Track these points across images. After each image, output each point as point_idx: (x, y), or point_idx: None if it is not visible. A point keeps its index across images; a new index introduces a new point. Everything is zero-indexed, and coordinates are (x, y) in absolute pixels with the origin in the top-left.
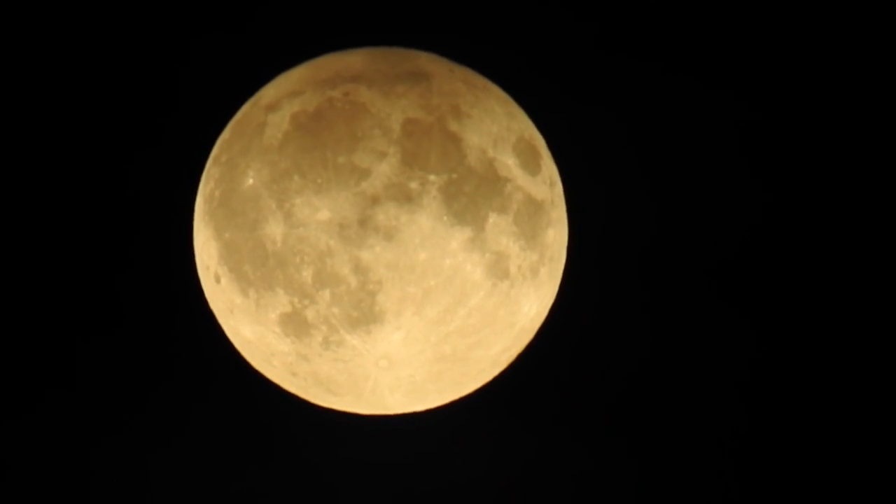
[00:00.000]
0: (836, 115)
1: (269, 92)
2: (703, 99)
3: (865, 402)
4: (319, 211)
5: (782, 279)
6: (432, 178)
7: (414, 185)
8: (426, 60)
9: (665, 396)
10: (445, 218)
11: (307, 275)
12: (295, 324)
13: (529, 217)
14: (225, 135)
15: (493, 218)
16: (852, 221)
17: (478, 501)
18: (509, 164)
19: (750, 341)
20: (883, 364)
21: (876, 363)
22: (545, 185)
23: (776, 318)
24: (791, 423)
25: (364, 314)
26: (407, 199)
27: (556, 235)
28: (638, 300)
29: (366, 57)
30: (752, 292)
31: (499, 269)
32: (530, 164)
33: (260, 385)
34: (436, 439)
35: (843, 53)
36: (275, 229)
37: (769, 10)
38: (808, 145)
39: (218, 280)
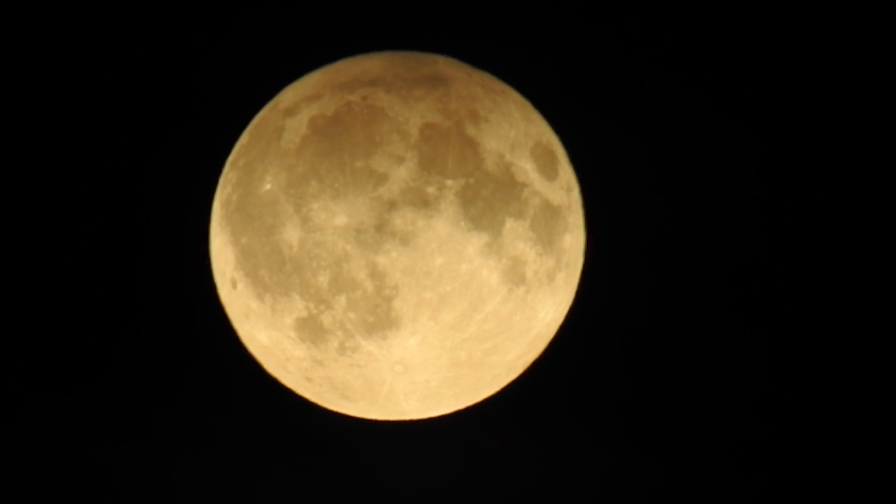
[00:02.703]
0: (854, 126)
1: (287, 96)
2: (723, 105)
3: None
4: (336, 216)
5: (804, 285)
6: (449, 182)
7: (431, 189)
8: (444, 65)
9: (684, 403)
10: (462, 223)
11: (323, 280)
12: (311, 329)
13: (546, 222)
14: (243, 139)
15: (509, 223)
16: (875, 235)
17: None
18: (527, 168)
19: (773, 349)
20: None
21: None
22: (562, 191)
23: (798, 325)
24: (811, 431)
25: (380, 319)
26: (424, 203)
27: (573, 241)
28: (655, 306)
29: (384, 61)
30: (775, 299)
31: (515, 275)
32: (548, 168)
33: (275, 390)
34: (451, 444)
35: (865, 65)
36: (292, 234)
37: (791, 19)
38: (825, 151)
39: (234, 285)
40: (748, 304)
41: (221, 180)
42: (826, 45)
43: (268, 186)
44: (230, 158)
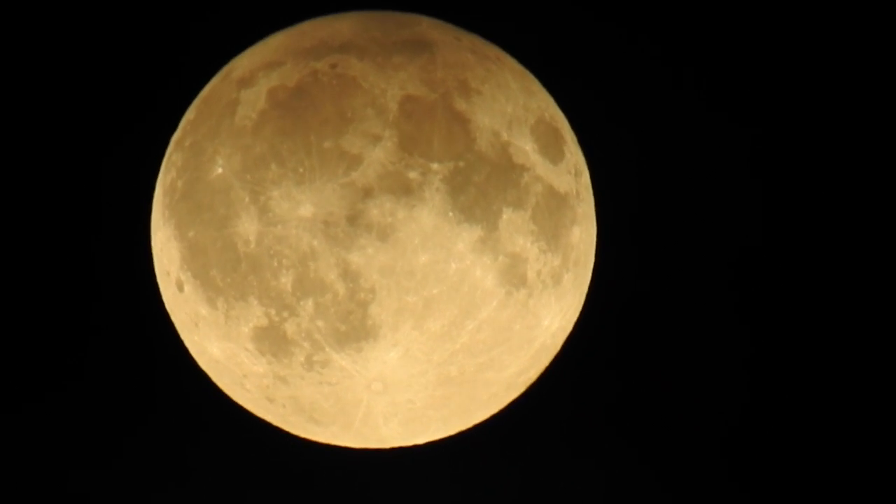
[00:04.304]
0: (862, 127)
1: (242, 63)
2: (748, 88)
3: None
4: (301, 205)
5: (821, 286)
6: (435, 166)
7: (413, 174)
8: (428, 27)
9: (706, 422)
10: (451, 214)
11: (286, 281)
12: (272, 340)
13: (551, 213)
14: (189, 114)
15: (507, 214)
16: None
17: None
18: (527, 149)
19: (803, 357)
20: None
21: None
22: (569, 175)
23: (817, 326)
24: (818, 438)
25: (354, 328)
26: (405, 191)
27: (583, 235)
28: (677, 310)
29: (357, 22)
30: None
31: (514, 275)
32: (551, 149)
33: (230, 412)
34: (438, 477)
35: (874, 69)
36: (248, 227)
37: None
38: (842, 144)
39: (180, 287)
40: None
41: (164, 163)
42: (835, 44)
43: (219, 171)
44: (175, 137)
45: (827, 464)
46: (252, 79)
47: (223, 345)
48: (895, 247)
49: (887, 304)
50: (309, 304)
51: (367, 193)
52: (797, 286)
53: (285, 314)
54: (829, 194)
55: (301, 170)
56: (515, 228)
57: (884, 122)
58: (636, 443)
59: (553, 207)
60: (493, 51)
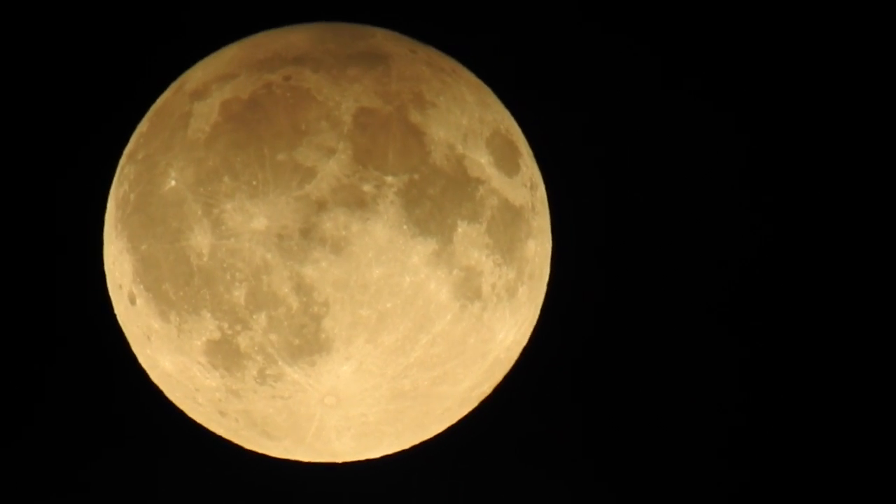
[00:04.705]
0: (831, 126)
1: (195, 75)
2: (707, 91)
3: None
4: (255, 218)
5: (791, 299)
6: (390, 179)
7: (368, 187)
8: (383, 39)
9: (663, 437)
10: (405, 227)
11: (239, 295)
12: (224, 353)
13: (506, 226)
14: (142, 127)
15: (462, 227)
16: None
17: None
18: (482, 162)
19: (768, 372)
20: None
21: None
22: (525, 189)
23: (783, 337)
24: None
25: (307, 342)
26: (359, 204)
27: (538, 248)
28: (634, 325)
29: (311, 34)
30: (767, 315)
31: (469, 289)
32: (507, 162)
33: (182, 426)
34: (392, 492)
35: (838, 62)
36: (201, 240)
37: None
38: (804, 148)
39: (133, 301)
40: (746, 319)
41: (117, 176)
42: (807, 40)
43: (172, 184)
44: (127, 150)
45: (800, 481)
46: (205, 91)
47: (175, 358)
48: (860, 255)
49: (856, 317)
50: (262, 318)
51: (321, 206)
52: (761, 299)
53: (238, 328)
54: (792, 202)
55: (254, 183)
56: (470, 242)
57: (840, 125)
58: (590, 455)
59: (508, 221)
60: (449, 63)
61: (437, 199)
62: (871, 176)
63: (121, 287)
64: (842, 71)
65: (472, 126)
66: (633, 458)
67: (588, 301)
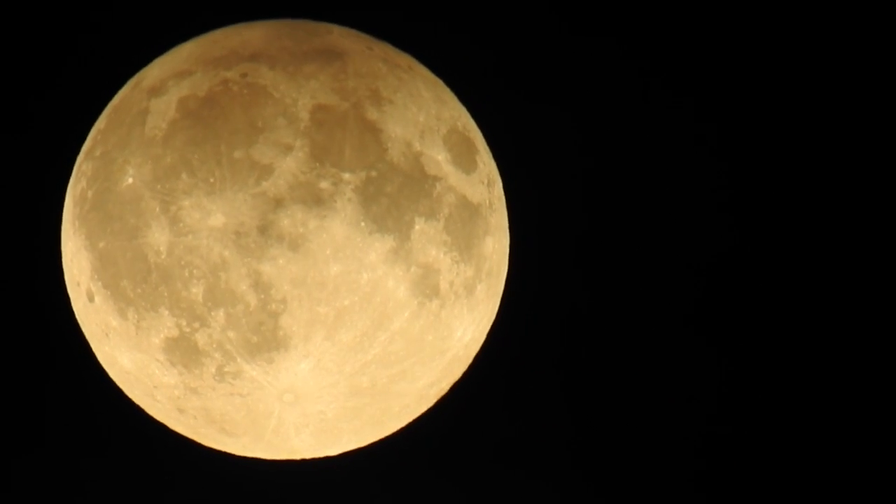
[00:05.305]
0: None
1: (152, 72)
2: (672, 88)
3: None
4: (212, 215)
5: (757, 300)
6: (347, 176)
7: (325, 184)
8: (340, 35)
9: (629, 433)
10: (363, 224)
11: (197, 292)
12: (183, 351)
13: (463, 223)
14: (99, 123)
15: (419, 224)
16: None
17: None
18: (439, 159)
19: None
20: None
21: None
22: (482, 186)
23: (753, 343)
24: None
25: (265, 339)
26: (316, 201)
27: (496, 245)
28: (594, 323)
29: (267, 31)
30: (729, 319)
31: (427, 286)
32: (464, 159)
33: (141, 424)
34: (351, 489)
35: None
36: (158, 237)
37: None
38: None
39: (91, 298)
40: (706, 313)
41: (74, 173)
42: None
43: (129, 180)
44: (85, 147)
45: (780, 477)
46: (162, 88)
47: (134, 356)
48: (835, 263)
49: (838, 326)
50: (220, 315)
51: (279, 203)
52: (729, 293)
53: (196, 325)
54: (756, 199)
55: (212, 180)
56: (428, 239)
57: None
58: (553, 449)
59: (466, 218)
60: (406, 60)
61: (395, 197)
62: (855, 178)
63: (79, 284)
64: (826, 70)
65: (429, 123)
66: (584, 451)
67: (547, 299)
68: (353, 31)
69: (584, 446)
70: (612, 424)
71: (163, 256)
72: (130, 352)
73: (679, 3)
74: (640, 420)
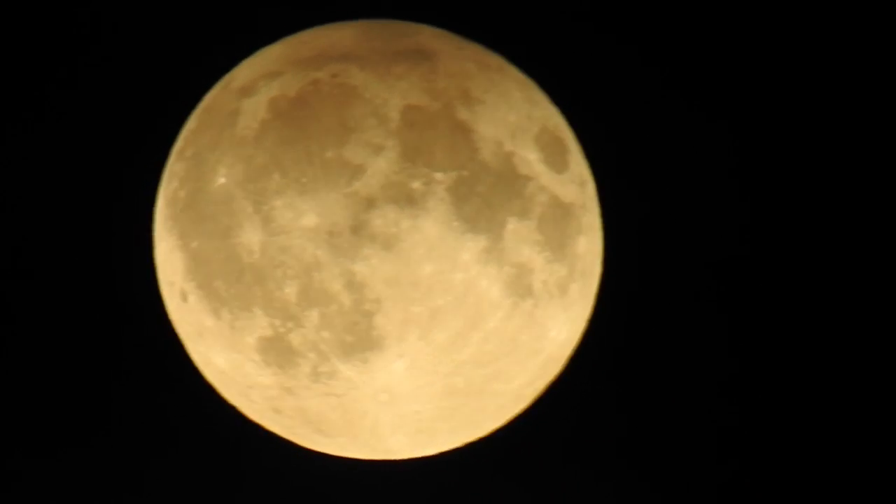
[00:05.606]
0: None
1: (242, 73)
2: (752, 90)
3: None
4: (304, 215)
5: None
6: (439, 176)
7: (417, 184)
8: (429, 36)
9: (710, 433)
10: (455, 224)
11: (291, 292)
12: (277, 351)
13: (556, 223)
14: (190, 124)
15: (512, 224)
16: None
17: None
18: (531, 159)
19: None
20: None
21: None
22: (574, 185)
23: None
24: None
25: (360, 339)
26: (409, 201)
27: (589, 245)
28: (687, 321)
29: (358, 31)
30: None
31: (520, 286)
32: (556, 159)
33: (236, 423)
34: (446, 489)
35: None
36: (251, 237)
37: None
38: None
39: (185, 298)
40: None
41: (166, 174)
42: (839, 46)
43: (221, 181)
44: (176, 147)
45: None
46: (252, 88)
47: (229, 355)
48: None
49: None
50: (314, 315)
51: (371, 203)
52: (804, 295)
53: (290, 325)
54: (830, 201)
55: (304, 180)
56: (521, 238)
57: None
58: (646, 448)
59: (558, 217)
60: (496, 60)
61: (487, 196)
62: (873, 176)
63: (172, 284)
64: (875, 69)
65: (521, 123)
66: (678, 457)
67: (638, 297)
68: (443, 32)
69: (685, 446)
70: (714, 424)
71: (256, 256)
72: (225, 352)
73: (770, 14)
74: (744, 418)
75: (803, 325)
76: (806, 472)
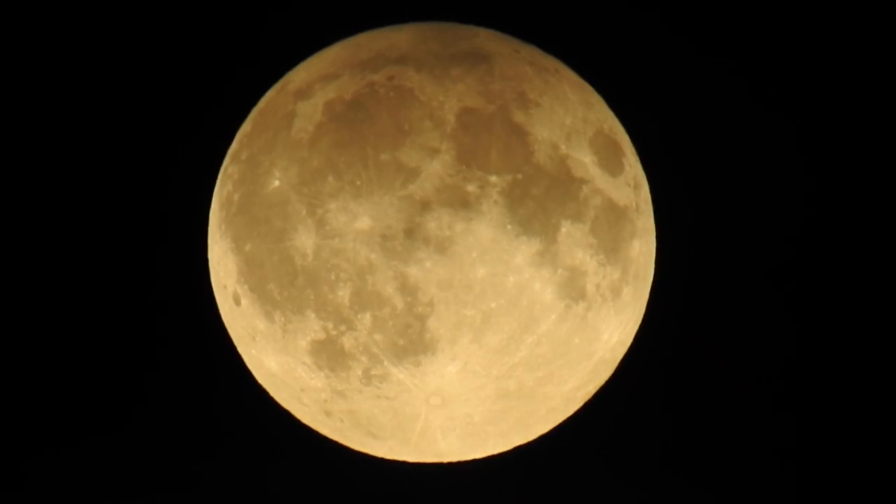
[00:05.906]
0: None
1: (298, 75)
2: (811, 88)
3: None
4: (358, 218)
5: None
6: (493, 179)
7: (471, 187)
8: (486, 38)
9: (763, 436)
10: (509, 227)
11: (344, 295)
12: (329, 354)
13: (610, 226)
14: (245, 127)
15: (566, 227)
16: None
17: None
18: (585, 162)
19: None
20: None
21: None
22: (629, 188)
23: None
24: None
25: (412, 342)
26: (463, 204)
27: (643, 248)
28: (740, 326)
29: (414, 34)
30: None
31: (573, 289)
32: (611, 162)
33: (288, 426)
34: (497, 491)
35: None
36: (305, 240)
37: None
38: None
39: (237, 301)
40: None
41: (221, 176)
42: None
43: (276, 183)
44: (231, 150)
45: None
46: (309, 91)
47: (280, 359)
48: None
49: None
50: (367, 318)
51: (425, 206)
52: (859, 300)
53: (343, 328)
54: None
55: (358, 182)
56: (574, 241)
57: None
58: (699, 452)
59: (612, 220)
60: (552, 62)
61: (541, 199)
62: None
63: (225, 287)
64: None
65: (576, 125)
66: (730, 458)
67: (692, 301)
68: (499, 34)
69: (736, 456)
70: (768, 433)
71: (309, 259)
72: (277, 355)
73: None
74: (801, 431)
75: (862, 332)
76: (866, 488)
